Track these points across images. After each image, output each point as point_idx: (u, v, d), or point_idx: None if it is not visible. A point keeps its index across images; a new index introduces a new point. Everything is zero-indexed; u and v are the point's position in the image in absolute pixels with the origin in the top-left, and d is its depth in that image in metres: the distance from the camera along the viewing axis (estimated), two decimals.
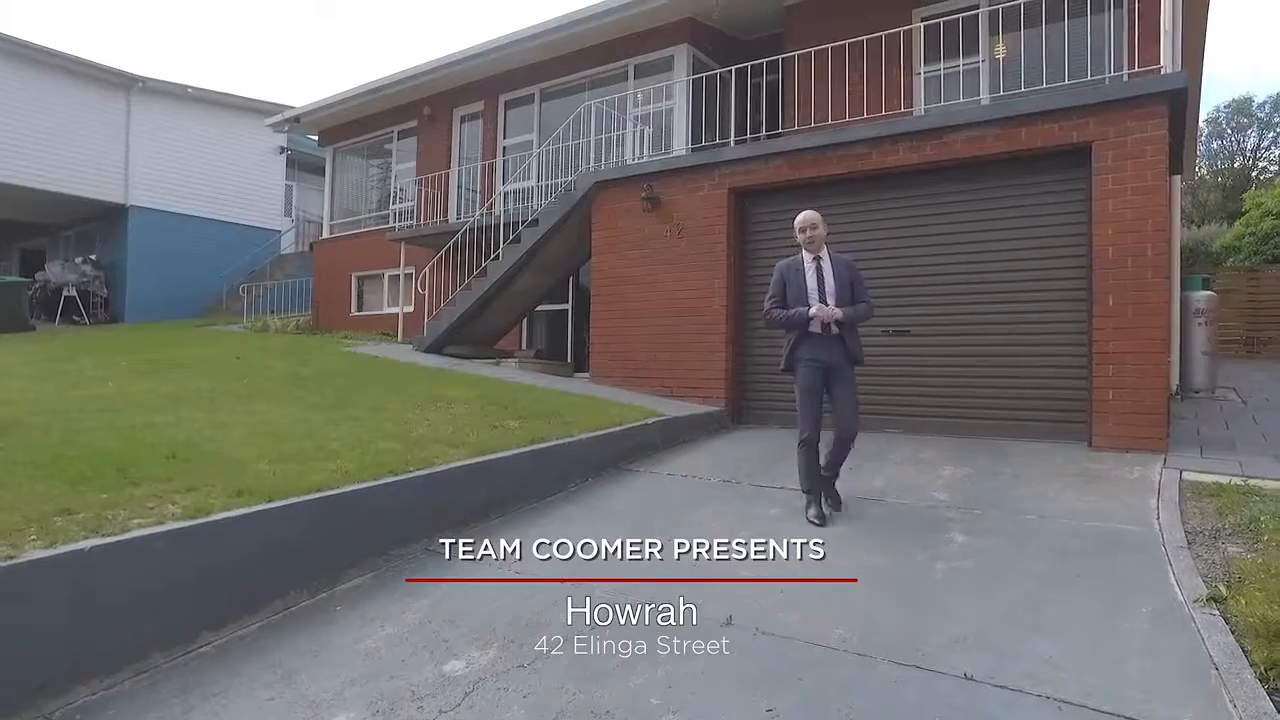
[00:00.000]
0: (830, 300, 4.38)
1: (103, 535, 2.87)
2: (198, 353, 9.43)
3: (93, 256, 18.14)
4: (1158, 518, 4.04)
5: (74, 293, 17.18)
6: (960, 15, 7.59)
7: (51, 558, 2.66)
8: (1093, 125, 5.87)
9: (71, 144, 16.48)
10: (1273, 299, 12.44)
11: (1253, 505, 4.00)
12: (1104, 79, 6.73)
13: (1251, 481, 4.46)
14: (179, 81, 18.09)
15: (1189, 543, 3.65)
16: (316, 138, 15.89)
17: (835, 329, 4.37)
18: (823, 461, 4.43)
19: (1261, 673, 2.42)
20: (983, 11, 7.84)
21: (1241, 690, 2.35)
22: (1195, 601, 2.99)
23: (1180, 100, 5.82)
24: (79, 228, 19.63)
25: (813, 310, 4.35)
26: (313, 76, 76.02)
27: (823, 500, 4.35)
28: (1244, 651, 2.55)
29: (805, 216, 4.48)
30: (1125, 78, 6.72)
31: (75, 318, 17.02)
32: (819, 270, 4.42)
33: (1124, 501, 4.39)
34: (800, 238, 4.49)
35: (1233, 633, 2.69)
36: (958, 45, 7.87)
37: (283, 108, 17.16)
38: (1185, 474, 4.80)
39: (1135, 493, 4.53)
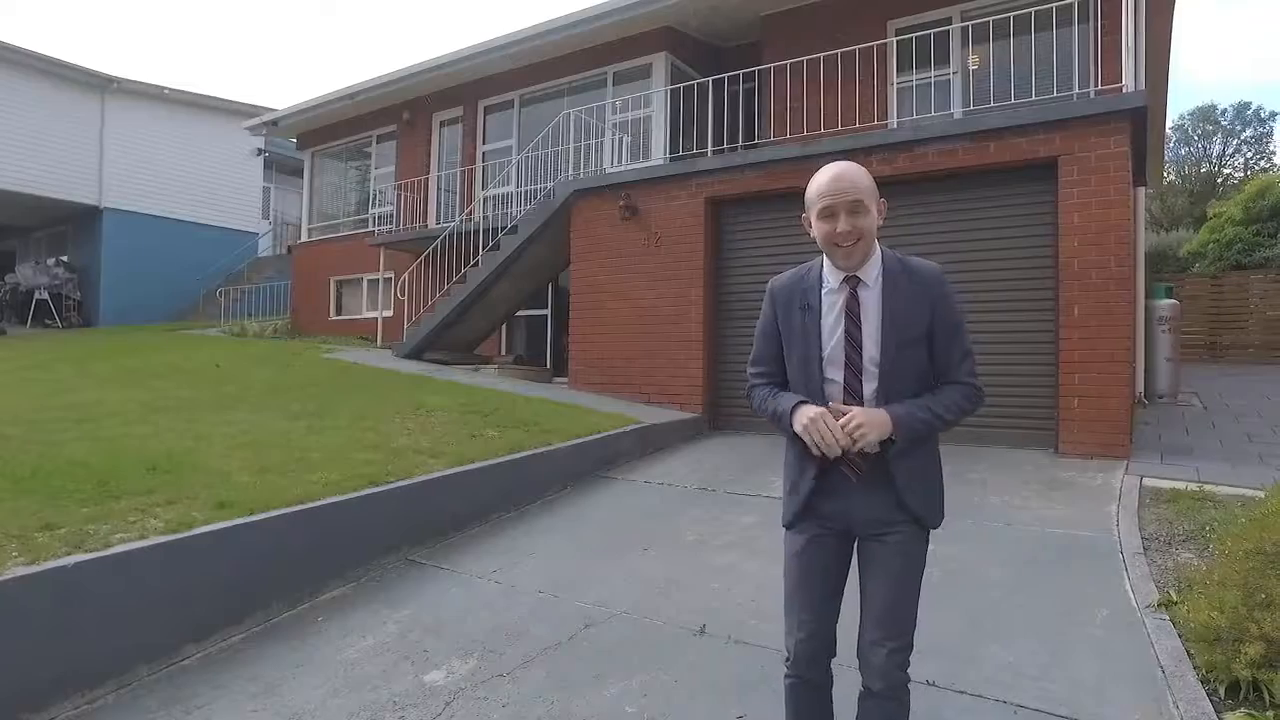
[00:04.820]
0: (868, 383, 1.88)
1: (85, 551, 2.90)
2: (175, 359, 9.38)
3: (64, 259, 17.85)
4: (1117, 524, 4.20)
5: (46, 296, 16.89)
6: (932, 31, 7.76)
7: (35, 574, 2.69)
8: (1058, 141, 6.06)
9: (43, 145, 16.20)
10: (1233, 305, 12.85)
11: (1204, 512, 4.17)
12: (1072, 95, 6.92)
13: (1206, 487, 4.63)
14: (155, 82, 17.90)
15: (1145, 549, 3.81)
16: (295, 141, 15.79)
17: (872, 449, 1.81)
18: None
19: (1203, 675, 2.56)
20: (955, 26, 8.01)
21: (1184, 692, 2.48)
22: (1147, 607, 3.14)
23: (1140, 117, 6.02)
24: (50, 229, 19.31)
25: (800, 423, 1.83)
26: (314, 74, 75.92)
27: None
28: (1189, 655, 2.69)
29: (831, 178, 1.86)
30: (1092, 93, 6.91)
31: (48, 321, 16.74)
32: (852, 305, 1.90)
33: (1086, 508, 4.55)
34: (817, 230, 1.89)
35: (1180, 636, 2.83)
36: (930, 57, 8.04)
37: (261, 109, 17.06)
38: (1145, 480, 4.98)
39: (1097, 499, 4.70)
